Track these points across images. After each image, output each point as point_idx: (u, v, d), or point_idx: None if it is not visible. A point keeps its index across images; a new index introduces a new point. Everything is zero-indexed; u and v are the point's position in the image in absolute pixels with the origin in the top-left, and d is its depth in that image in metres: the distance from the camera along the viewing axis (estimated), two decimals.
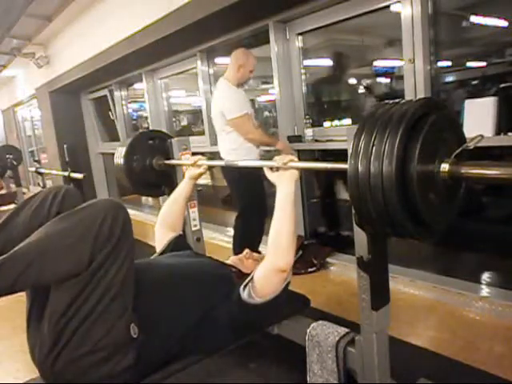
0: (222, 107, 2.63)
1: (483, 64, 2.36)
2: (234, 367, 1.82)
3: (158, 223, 1.78)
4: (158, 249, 1.69)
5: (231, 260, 1.62)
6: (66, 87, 5.54)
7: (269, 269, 1.29)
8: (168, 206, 1.82)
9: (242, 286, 1.31)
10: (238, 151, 2.64)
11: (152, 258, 1.65)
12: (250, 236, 2.76)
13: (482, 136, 0.95)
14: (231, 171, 2.66)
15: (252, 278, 1.32)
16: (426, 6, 2.21)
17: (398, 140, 0.89)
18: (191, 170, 1.87)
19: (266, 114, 4.15)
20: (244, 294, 1.29)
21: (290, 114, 3.07)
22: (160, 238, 1.72)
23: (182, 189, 1.85)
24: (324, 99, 3.40)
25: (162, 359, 1.26)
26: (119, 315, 1.12)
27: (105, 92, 5.63)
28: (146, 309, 1.23)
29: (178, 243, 1.70)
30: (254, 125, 2.68)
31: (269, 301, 1.29)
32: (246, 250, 1.66)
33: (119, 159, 2.15)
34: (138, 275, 1.23)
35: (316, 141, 2.90)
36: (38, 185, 6.16)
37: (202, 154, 2.02)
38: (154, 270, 1.40)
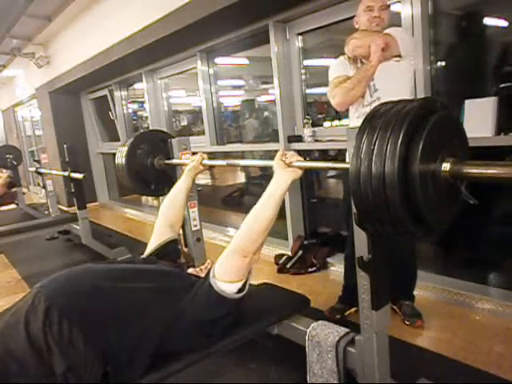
0: None
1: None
2: (234, 367, 1.82)
3: (159, 219, 1.77)
4: (151, 246, 1.67)
5: (190, 271, 1.61)
6: (65, 87, 5.55)
7: (232, 248, 1.30)
8: (169, 200, 1.82)
9: (211, 271, 1.32)
10: None
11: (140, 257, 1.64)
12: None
13: None
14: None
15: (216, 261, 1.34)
16: (425, 5, 2.22)
17: (400, 139, 0.89)
18: (191, 164, 1.88)
19: (266, 114, 4.15)
20: (210, 274, 1.31)
21: (289, 114, 3.07)
22: (157, 236, 1.70)
23: (182, 183, 1.86)
24: None
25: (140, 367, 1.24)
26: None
27: (105, 92, 5.63)
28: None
29: (169, 247, 1.68)
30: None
31: (227, 293, 1.28)
32: (208, 260, 1.64)
33: (120, 159, 2.16)
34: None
35: (316, 141, 2.90)
36: (38, 185, 6.16)
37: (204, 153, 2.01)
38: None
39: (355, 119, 2.00)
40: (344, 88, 1.90)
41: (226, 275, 1.29)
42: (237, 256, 1.28)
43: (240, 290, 1.30)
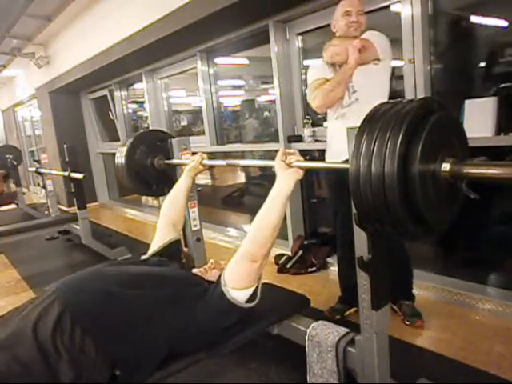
0: None
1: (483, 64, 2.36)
2: (234, 367, 1.82)
3: (160, 219, 1.77)
4: (154, 247, 1.67)
5: (194, 272, 1.60)
6: (65, 87, 5.55)
7: (241, 253, 1.30)
8: (169, 200, 1.83)
9: (222, 278, 1.32)
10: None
11: (142, 257, 1.63)
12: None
13: None
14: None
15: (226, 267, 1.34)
16: (425, 5, 2.22)
17: (399, 140, 0.89)
18: (190, 164, 1.88)
19: (266, 114, 4.14)
20: (221, 281, 1.31)
21: (290, 114, 3.07)
22: (160, 237, 1.71)
23: (182, 183, 1.86)
24: None
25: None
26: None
27: (105, 92, 5.63)
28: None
29: (172, 248, 1.68)
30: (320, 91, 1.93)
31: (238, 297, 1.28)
32: (212, 260, 1.63)
33: (120, 159, 2.16)
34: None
35: (316, 141, 2.90)
36: (38, 185, 6.16)
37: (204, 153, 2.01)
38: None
39: (334, 120, 2.02)
40: (324, 90, 1.92)
41: (235, 282, 1.29)
42: (246, 261, 1.28)
43: (251, 298, 1.30)
